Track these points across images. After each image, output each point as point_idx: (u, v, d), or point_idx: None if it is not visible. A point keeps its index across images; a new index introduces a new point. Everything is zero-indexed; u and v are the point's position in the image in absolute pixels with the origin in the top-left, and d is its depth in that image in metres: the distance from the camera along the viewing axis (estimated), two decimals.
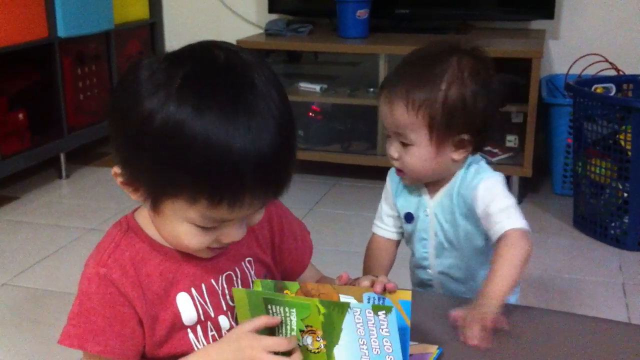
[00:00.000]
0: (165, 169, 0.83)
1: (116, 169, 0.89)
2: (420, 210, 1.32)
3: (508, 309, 1.24)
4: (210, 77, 0.82)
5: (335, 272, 1.46)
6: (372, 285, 0.97)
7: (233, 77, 0.83)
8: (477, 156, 1.30)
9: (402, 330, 0.90)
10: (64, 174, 3.24)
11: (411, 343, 1.00)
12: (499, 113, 1.30)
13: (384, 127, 1.31)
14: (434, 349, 1.00)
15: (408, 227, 1.35)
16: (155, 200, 0.87)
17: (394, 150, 1.27)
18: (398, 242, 1.40)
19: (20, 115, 2.97)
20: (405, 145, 1.24)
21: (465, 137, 1.23)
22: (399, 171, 1.29)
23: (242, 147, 0.80)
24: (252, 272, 1.02)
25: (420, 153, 1.24)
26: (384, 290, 0.95)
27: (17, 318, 2.10)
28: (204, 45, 0.88)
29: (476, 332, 1.05)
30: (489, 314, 1.07)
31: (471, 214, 1.26)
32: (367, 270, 1.35)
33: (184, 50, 0.87)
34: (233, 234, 0.90)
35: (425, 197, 1.31)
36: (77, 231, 2.61)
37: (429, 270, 1.36)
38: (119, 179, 0.90)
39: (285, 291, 0.97)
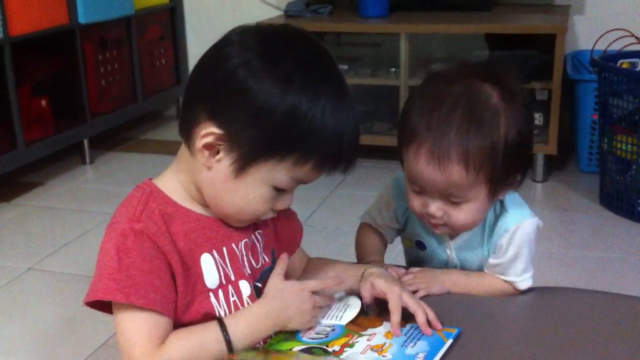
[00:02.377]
0: (285, 137, 0.90)
1: (212, 129, 0.91)
2: (440, 246, 1.21)
3: (532, 289, 1.22)
4: (320, 62, 0.94)
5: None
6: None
7: (329, 62, 0.95)
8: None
9: (434, 344, 0.95)
10: (87, 159, 3.26)
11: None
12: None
13: (412, 183, 1.10)
14: (452, 330, 0.99)
15: (418, 252, 1.25)
16: (248, 163, 0.91)
17: (436, 209, 1.09)
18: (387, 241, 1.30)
19: (43, 102, 2.99)
20: (454, 203, 1.08)
21: (519, 177, 1.11)
22: (438, 225, 1.13)
23: (351, 125, 0.93)
24: (262, 245, 1.05)
25: (475, 207, 1.09)
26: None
27: (42, 302, 2.12)
28: (294, 33, 0.96)
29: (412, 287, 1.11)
30: (434, 288, 1.12)
31: None
32: (361, 255, 1.27)
33: (280, 41, 0.94)
34: (288, 201, 0.99)
35: (444, 237, 1.20)
36: (101, 216, 2.62)
37: None
38: (207, 140, 0.91)
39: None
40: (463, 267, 1.22)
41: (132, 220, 0.93)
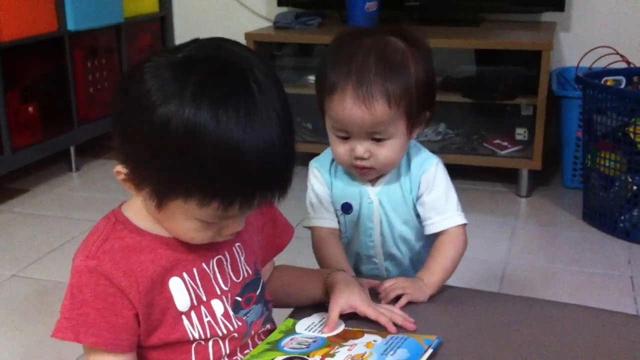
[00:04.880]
0: (180, 172, 0.84)
1: (120, 168, 0.90)
2: (363, 198, 1.28)
3: (512, 300, 1.24)
4: (221, 81, 0.84)
5: None
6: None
7: (242, 79, 0.85)
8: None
9: (414, 351, 0.96)
10: (74, 166, 3.25)
11: (408, 333, 1.02)
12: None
13: (338, 131, 1.20)
14: (432, 338, 1.00)
15: (345, 218, 1.31)
16: (162, 200, 0.88)
17: (363, 150, 1.19)
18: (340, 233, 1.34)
19: (31, 109, 2.98)
20: (379, 140, 1.19)
21: (428, 113, 1.23)
22: (365, 169, 1.22)
23: (255, 149, 0.83)
24: (243, 257, 1.04)
25: (397, 143, 1.20)
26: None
27: (26, 309, 2.11)
28: (207, 46, 0.89)
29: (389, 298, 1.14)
30: (418, 295, 1.16)
31: (417, 198, 1.27)
32: (325, 264, 1.29)
33: (190, 54, 0.87)
34: (234, 226, 0.94)
35: (366, 185, 1.28)
36: (86, 223, 2.62)
37: (375, 260, 1.35)
38: (122, 177, 0.91)
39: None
40: (388, 218, 1.28)
41: (87, 257, 0.92)
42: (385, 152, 1.20)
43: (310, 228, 1.33)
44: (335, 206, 1.31)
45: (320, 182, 1.31)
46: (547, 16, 3.21)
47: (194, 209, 0.87)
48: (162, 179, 0.87)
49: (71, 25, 3.06)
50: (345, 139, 1.20)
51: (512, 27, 3.17)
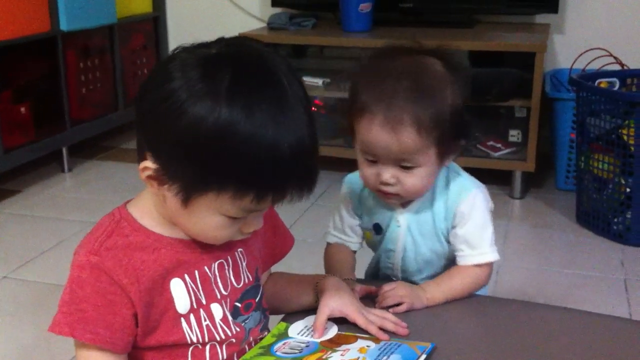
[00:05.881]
0: (215, 167, 0.85)
1: (147, 164, 0.90)
2: (392, 220, 1.25)
3: (506, 304, 1.24)
4: (254, 77, 0.86)
5: None
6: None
7: (273, 74, 0.87)
8: (452, 163, 1.22)
9: (407, 358, 0.95)
10: (66, 167, 3.24)
11: (402, 340, 1.01)
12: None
13: (365, 153, 1.16)
14: (426, 344, 1.00)
15: (376, 237, 1.29)
16: (191, 196, 0.88)
17: (390, 177, 1.14)
18: (355, 252, 1.34)
19: (23, 109, 2.97)
20: (407, 168, 1.14)
21: (463, 141, 1.18)
22: (391, 194, 1.18)
23: (289, 141, 0.85)
24: (245, 263, 1.04)
25: (425, 172, 1.14)
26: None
27: (18, 311, 2.10)
28: (233, 44, 0.90)
29: (387, 302, 1.12)
30: (416, 303, 1.13)
31: (450, 227, 1.22)
32: (330, 273, 1.27)
33: (219, 51, 0.88)
34: (256, 222, 0.95)
35: (396, 208, 1.23)
36: (79, 224, 2.61)
37: (393, 278, 1.31)
38: (147, 173, 0.90)
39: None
40: (415, 244, 1.24)
41: (90, 252, 0.92)
42: (412, 180, 1.14)
43: (327, 243, 1.33)
44: (366, 225, 1.29)
45: (347, 199, 1.29)
46: (541, 18, 3.22)
47: (225, 203, 0.88)
48: (194, 174, 0.87)
49: (64, 26, 3.05)
50: (373, 162, 1.16)
51: (506, 28, 3.17)
